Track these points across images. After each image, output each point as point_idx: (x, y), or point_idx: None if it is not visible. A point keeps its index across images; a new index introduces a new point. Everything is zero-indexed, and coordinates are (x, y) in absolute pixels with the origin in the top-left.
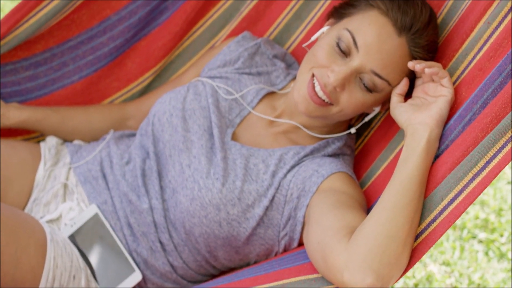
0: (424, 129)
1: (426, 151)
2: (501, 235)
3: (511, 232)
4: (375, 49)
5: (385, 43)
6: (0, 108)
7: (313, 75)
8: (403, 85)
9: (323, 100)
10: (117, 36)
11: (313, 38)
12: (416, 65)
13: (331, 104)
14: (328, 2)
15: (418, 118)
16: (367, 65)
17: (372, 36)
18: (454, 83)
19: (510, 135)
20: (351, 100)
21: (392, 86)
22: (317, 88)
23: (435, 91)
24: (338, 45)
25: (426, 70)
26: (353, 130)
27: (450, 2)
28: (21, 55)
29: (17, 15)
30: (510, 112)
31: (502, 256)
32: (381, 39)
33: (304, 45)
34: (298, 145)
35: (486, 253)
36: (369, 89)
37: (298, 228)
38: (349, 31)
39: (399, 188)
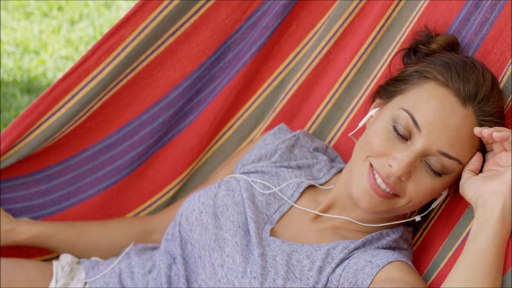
0: (497, 198)
1: (501, 221)
2: None
3: None
4: (439, 127)
5: (449, 117)
6: (10, 223)
7: (371, 165)
8: (476, 160)
9: (388, 192)
10: (139, 143)
11: (360, 124)
12: (483, 131)
13: (397, 195)
14: (371, 87)
15: (489, 188)
16: (432, 146)
17: (434, 112)
18: None
19: None
20: (420, 188)
21: (463, 164)
22: (379, 181)
23: (507, 160)
24: (395, 128)
25: (495, 134)
26: (417, 218)
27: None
28: (33, 168)
29: (27, 120)
30: None
31: None
32: (445, 113)
33: (350, 134)
34: (347, 240)
35: None
36: (438, 173)
37: None
38: (406, 111)
39: (473, 260)
